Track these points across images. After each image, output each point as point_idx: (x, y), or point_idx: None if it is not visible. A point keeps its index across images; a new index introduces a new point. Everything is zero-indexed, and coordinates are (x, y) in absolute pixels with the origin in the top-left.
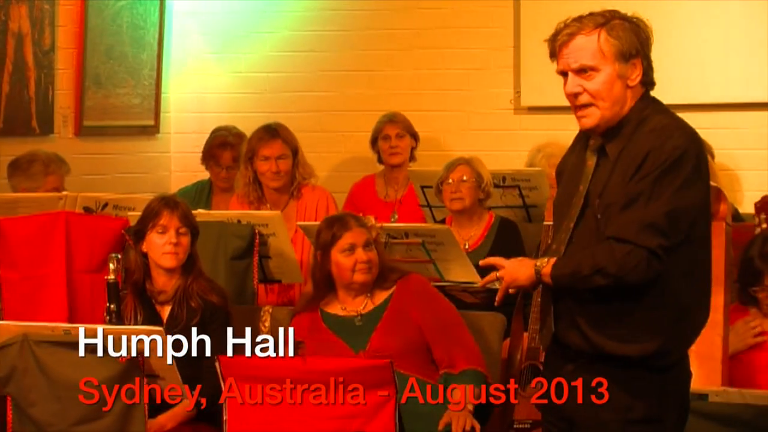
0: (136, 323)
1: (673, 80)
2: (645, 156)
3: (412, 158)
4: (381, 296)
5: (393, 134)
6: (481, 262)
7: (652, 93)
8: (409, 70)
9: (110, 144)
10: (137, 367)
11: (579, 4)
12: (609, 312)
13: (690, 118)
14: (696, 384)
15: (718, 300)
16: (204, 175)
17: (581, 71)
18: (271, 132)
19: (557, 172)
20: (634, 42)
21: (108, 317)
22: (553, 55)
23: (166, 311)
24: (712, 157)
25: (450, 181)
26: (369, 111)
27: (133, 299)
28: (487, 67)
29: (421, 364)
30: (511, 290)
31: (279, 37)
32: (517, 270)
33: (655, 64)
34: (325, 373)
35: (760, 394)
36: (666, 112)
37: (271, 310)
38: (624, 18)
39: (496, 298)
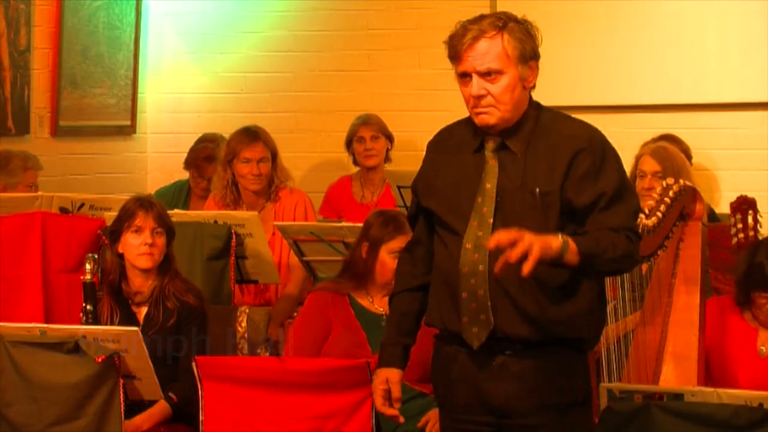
0: (112, 324)
1: (651, 81)
2: (578, 148)
3: (387, 159)
4: None
5: (367, 136)
6: (492, 240)
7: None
8: (386, 70)
9: (86, 144)
10: (113, 367)
11: (554, 4)
12: (551, 298)
13: (666, 119)
14: (672, 384)
15: (693, 299)
16: (181, 175)
17: (486, 74)
18: (252, 135)
19: (422, 188)
20: (532, 44)
21: (84, 318)
22: (454, 57)
23: (142, 312)
24: (690, 157)
25: None
26: (346, 111)
27: (109, 300)
28: None
29: (426, 377)
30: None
31: (256, 38)
32: (545, 239)
33: (635, 65)
34: (302, 374)
35: (736, 394)
36: (552, 110)
37: (247, 311)
38: (517, 20)
39: (524, 269)
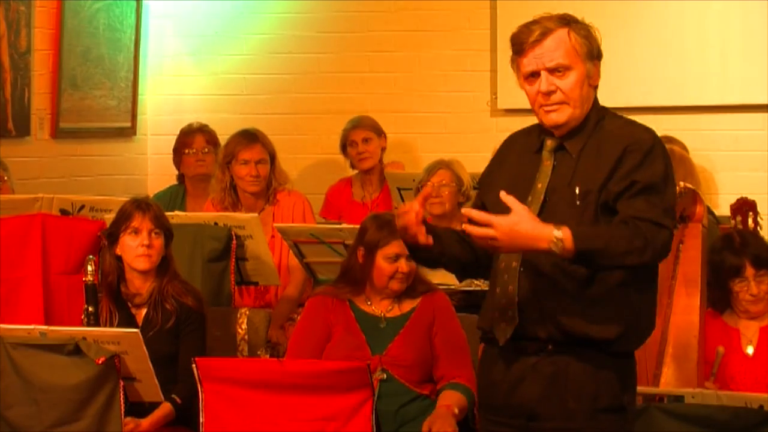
0: (111, 326)
1: (651, 83)
2: (626, 146)
3: (382, 159)
4: (407, 305)
5: (359, 140)
6: (464, 211)
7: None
8: (385, 72)
9: (87, 146)
10: (113, 369)
11: (557, 5)
12: (579, 298)
13: (667, 120)
14: (672, 385)
15: (694, 301)
16: None
17: (555, 70)
18: (251, 136)
19: (484, 184)
20: (596, 43)
21: (86, 319)
22: (519, 53)
23: (141, 314)
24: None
25: (430, 184)
26: (346, 113)
27: (108, 302)
28: (464, 69)
29: (426, 379)
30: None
31: (256, 40)
32: (527, 237)
33: (635, 67)
34: (302, 375)
35: (736, 396)
36: (618, 114)
37: (247, 313)
38: (579, 21)
39: (473, 234)
